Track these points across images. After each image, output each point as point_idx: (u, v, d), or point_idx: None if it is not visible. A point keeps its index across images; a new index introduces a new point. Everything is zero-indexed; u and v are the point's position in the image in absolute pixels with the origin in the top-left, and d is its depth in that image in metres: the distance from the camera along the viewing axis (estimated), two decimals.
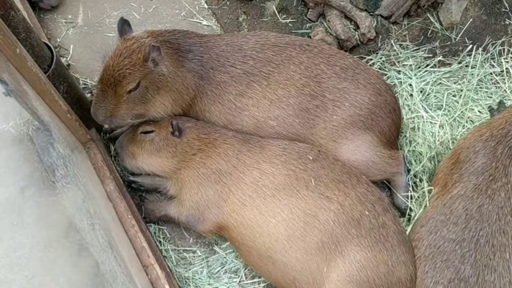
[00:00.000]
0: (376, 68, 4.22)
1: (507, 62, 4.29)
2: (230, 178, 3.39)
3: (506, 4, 4.38)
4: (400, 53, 4.29)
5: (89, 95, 4.11)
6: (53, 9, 4.67)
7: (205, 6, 4.68)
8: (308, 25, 4.37)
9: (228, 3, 4.57)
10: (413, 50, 4.32)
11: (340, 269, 3.08)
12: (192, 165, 3.50)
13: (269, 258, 3.28)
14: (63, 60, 4.13)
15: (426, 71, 4.24)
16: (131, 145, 3.69)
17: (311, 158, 3.31)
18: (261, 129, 3.61)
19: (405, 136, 3.98)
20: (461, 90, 4.14)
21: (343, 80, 3.59)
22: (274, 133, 3.60)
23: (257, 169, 3.34)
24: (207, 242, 3.74)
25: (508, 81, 4.21)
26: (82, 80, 4.30)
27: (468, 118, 4.04)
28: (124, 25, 3.50)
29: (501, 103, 4.06)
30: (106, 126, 3.96)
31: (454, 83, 4.20)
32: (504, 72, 4.25)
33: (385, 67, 4.26)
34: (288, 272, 3.23)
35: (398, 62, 4.27)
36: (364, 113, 3.57)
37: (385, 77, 4.17)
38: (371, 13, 4.24)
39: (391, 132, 3.70)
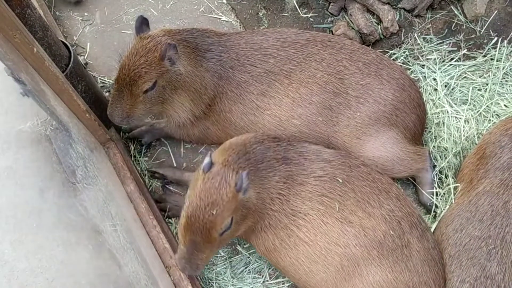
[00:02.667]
0: (399, 62, 4.16)
1: None
2: (270, 226, 3.24)
3: None
4: (424, 46, 4.22)
5: (107, 94, 4.08)
6: (69, 6, 4.63)
7: (224, 1, 4.63)
8: (329, 19, 4.31)
9: None
10: (437, 44, 4.25)
11: None
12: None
13: (292, 276, 3.31)
14: (80, 58, 4.09)
15: (451, 65, 4.16)
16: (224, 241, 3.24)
17: (340, 181, 3.21)
18: (283, 128, 3.55)
19: (430, 131, 3.91)
20: (487, 84, 4.06)
21: (366, 76, 3.53)
22: (297, 132, 3.54)
23: (295, 212, 3.19)
24: (230, 242, 3.68)
25: None
26: (100, 78, 4.27)
27: (494, 112, 3.96)
28: (142, 24, 3.44)
29: None
30: (125, 125, 3.93)
31: (479, 76, 4.12)
32: None
33: (408, 61, 4.18)
34: None
35: (422, 56, 4.20)
36: (388, 109, 3.50)
37: (408, 72, 4.10)
38: (394, 6, 4.18)
39: (416, 127, 3.63)
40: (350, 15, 4.22)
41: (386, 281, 3.01)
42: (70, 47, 3.43)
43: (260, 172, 3.12)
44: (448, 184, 3.64)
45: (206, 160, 2.97)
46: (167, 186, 3.86)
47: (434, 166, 3.73)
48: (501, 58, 4.14)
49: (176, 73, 3.39)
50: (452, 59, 4.20)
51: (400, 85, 3.56)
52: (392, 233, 3.06)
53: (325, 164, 3.25)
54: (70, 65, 3.35)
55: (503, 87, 4.06)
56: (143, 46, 3.30)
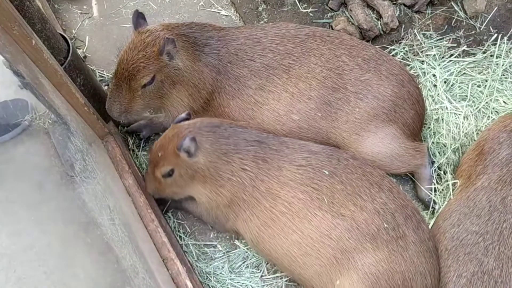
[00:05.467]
0: (399, 58, 4.15)
1: None
2: (247, 204, 3.28)
3: None
4: (424, 42, 4.21)
5: (106, 87, 4.07)
6: None
7: None
8: (329, 14, 4.31)
9: None
10: (437, 40, 4.24)
11: (354, 280, 3.04)
12: (213, 186, 3.36)
13: (286, 268, 3.31)
14: (79, 52, 4.08)
15: (450, 61, 4.15)
16: (167, 189, 3.40)
17: (327, 173, 3.19)
18: (282, 123, 3.55)
19: (429, 127, 3.90)
20: (486, 81, 4.05)
21: (365, 72, 3.52)
22: (296, 127, 3.54)
23: (272, 195, 3.21)
24: (228, 237, 3.69)
25: None
26: (98, 72, 4.26)
27: (493, 108, 3.95)
28: (138, 18, 3.45)
29: None
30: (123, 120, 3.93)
31: (479, 73, 4.12)
32: None
33: (408, 57, 4.17)
34: (304, 281, 3.27)
35: (422, 52, 4.19)
36: (387, 105, 3.50)
37: (408, 68, 4.10)
38: (394, 2, 4.18)
39: (415, 123, 3.63)
40: (350, 10, 4.21)
41: (381, 272, 2.99)
42: (68, 40, 3.42)
43: (221, 146, 3.19)
44: (447, 180, 3.64)
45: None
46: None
47: (433, 162, 3.73)
48: (500, 55, 4.14)
49: (175, 67, 3.39)
50: (451, 55, 4.19)
51: (399, 81, 3.55)
52: (386, 225, 3.05)
53: (309, 155, 3.26)
54: (68, 58, 3.34)
55: (502, 84, 4.06)
56: (142, 41, 3.31)
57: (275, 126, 3.56)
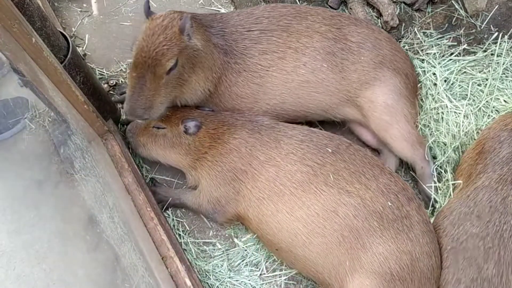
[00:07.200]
0: None
1: None
2: (246, 176, 3.32)
3: None
4: (424, 41, 4.21)
5: (105, 85, 4.06)
6: None
7: None
8: None
9: None
10: (437, 38, 4.24)
11: (363, 261, 3.02)
12: (206, 163, 3.45)
13: (290, 252, 3.25)
14: (78, 50, 4.07)
15: (451, 59, 4.15)
16: (143, 137, 3.61)
17: (330, 151, 3.23)
18: (291, 80, 3.57)
19: (428, 126, 3.89)
20: (486, 79, 4.04)
21: (360, 27, 3.66)
22: (305, 82, 3.56)
23: (273, 167, 3.25)
24: (227, 235, 3.69)
25: None
26: (98, 70, 4.25)
27: (494, 107, 3.95)
28: (149, 8, 3.42)
29: None
30: (123, 117, 3.91)
31: (479, 72, 4.11)
32: None
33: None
34: (310, 265, 3.20)
35: (422, 50, 4.18)
36: (388, 54, 3.62)
37: None
38: (394, 0, 4.17)
39: (413, 77, 3.74)
40: (350, 8, 4.21)
41: (389, 251, 2.99)
42: (68, 38, 3.41)
43: (208, 125, 3.45)
44: (447, 180, 3.64)
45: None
46: (155, 179, 3.88)
47: (434, 158, 3.74)
48: (501, 54, 4.13)
49: (193, 48, 3.30)
50: (452, 54, 4.19)
51: (391, 37, 3.77)
52: (390, 204, 3.07)
53: (309, 133, 3.36)
54: (68, 56, 3.32)
55: (503, 83, 4.05)
56: (159, 25, 3.18)
57: (285, 85, 3.58)
